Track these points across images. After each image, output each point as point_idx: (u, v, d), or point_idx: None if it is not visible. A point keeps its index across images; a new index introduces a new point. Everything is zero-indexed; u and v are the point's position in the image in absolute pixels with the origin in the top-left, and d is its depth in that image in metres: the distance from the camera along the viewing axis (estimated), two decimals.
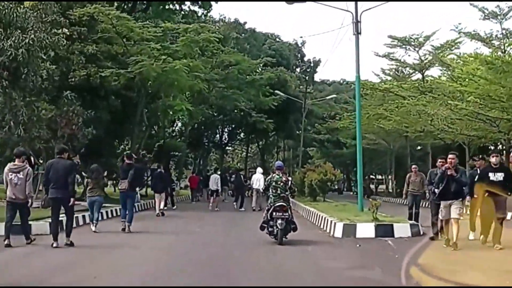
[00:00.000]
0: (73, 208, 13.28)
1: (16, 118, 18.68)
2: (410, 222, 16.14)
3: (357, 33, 19.58)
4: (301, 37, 34.45)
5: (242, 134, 63.28)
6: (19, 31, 18.47)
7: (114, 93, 27.84)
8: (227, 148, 68.35)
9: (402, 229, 14.89)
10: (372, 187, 68.99)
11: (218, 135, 58.31)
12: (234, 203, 28.91)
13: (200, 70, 31.79)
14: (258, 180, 26.70)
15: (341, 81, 76.47)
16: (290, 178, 14.25)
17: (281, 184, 13.42)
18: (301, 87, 55.00)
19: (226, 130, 57.46)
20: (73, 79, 25.71)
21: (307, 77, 60.58)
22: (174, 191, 37.52)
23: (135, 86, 29.35)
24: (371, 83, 42.12)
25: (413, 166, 19.09)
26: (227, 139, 60.08)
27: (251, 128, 54.51)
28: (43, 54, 19.14)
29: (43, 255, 11.84)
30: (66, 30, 21.92)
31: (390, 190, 54.94)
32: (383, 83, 42.96)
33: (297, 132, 60.08)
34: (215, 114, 49.38)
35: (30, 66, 18.63)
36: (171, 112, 30.61)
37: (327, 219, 17.08)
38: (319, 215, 19.27)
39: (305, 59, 63.92)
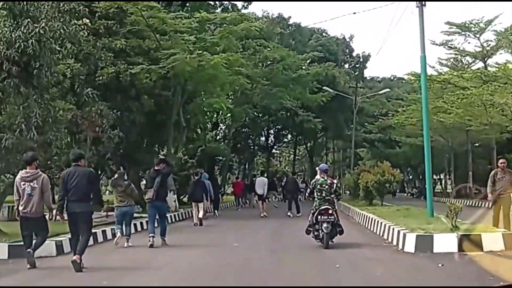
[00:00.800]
0: (91, 223, 11.20)
1: (29, 119, 16.29)
2: (502, 230, 12.93)
3: (422, 4, 16.51)
4: (354, 13, 30.48)
5: (289, 136, 60.40)
6: (29, 20, 16.09)
7: (147, 92, 25.36)
8: (273, 151, 65.62)
9: (493, 241, 11.71)
10: None
11: (263, 138, 55.50)
12: (289, 213, 25.87)
13: (242, 65, 29.09)
14: None
15: (392, 77, 72.68)
16: (335, 181, 13.91)
17: (326, 187, 13.24)
18: (351, 83, 51.69)
19: (271, 131, 54.56)
20: (100, 78, 23.40)
21: (356, 73, 57.19)
22: (222, 197, 35.20)
23: (170, 84, 26.90)
24: (428, 75, 38.47)
25: (501, 161, 15.23)
26: (273, 141, 57.21)
27: (298, 128, 51.60)
28: (58, 46, 16.68)
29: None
30: (88, 21, 19.48)
31: (449, 190, 50.90)
32: (441, 74, 39.24)
33: (347, 132, 56.93)
34: (260, 115, 46.59)
35: (42, 60, 16.23)
36: (209, 112, 27.87)
37: (393, 229, 14.03)
38: (381, 223, 16.22)
39: (354, 54, 60.62)
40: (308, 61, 45.19)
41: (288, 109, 44.78)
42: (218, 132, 48.81)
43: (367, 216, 19.70)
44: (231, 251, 13.52)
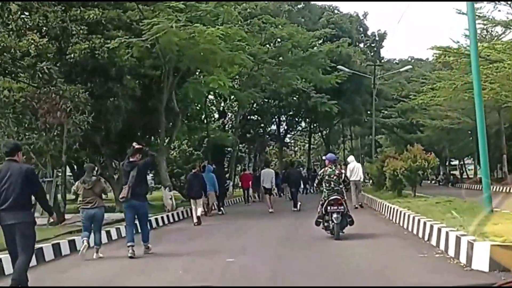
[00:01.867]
0: (32, 238, 8.21)
1: None
2: None
3: None
4: None
5: (302, 124, 56.22)
6: None
7: (130, 72, 21.44)
8: (286, 140, 61.58)
9: None
10: (456, 173, 60.83)
11: (275, 126, 51.34)
12: (294, 208, 23.20)
13: (243, 39, 25.12)
14: (357, 169, 23.94)
15: (410, 59, 68.20)
16: (343, 171, 14.40)
17: (335, 177, 13.11)
18: (367, 63, 47.40)
19: (283, 119, 50.28)
20: (72, 55, 19.52)
21: (372, 53, 52.89)
22: (228, 192, 31.53)
23: (159, 63, 22.94)
24: (454, 48, 34.16)
25: None
26: (285, 129, 52.98)
27: (312, 114, 47.43)
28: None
29: None
30: None
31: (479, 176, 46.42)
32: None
33: (365, 118, 52.73)
34: (269, 100, 42.42)
35: None
36: (205, 92, 23.76)
37: (447, 233, 10.02)
38: (424, 223, 12.21)
39: (369, 33, 56.16)
40: (319, 40, 41.06)
41: (299, 92, 40.63)
42: (225, 121, 44.82)
43: (400, 212, 15.66)
44: (223, 273, 9.54)
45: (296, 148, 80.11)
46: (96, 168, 15.70)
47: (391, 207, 17.79)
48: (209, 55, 22.80)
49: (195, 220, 18.83)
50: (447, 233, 9.98)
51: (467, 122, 44.22)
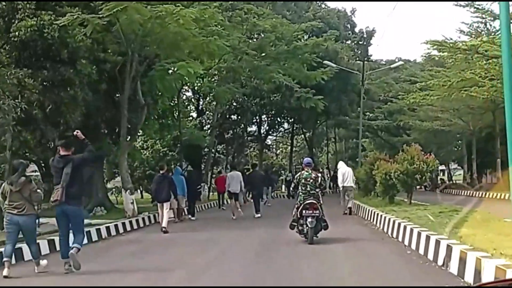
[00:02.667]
0: None
1: None
2: None
3: None
4: None
5: (285, 125, 53.45)
6: None
7: (87, 55, 18.55)
8: (268, 141, 58.89)
9: None
10: (444, 178, 58.54)
11: (255, 126, 48.45)
12: (257, 215, 21.28)
13: (220, 26, 22.46)
14: (348, 174, 22.22)
15: (397, 59, 65.79)
16: (319, 175, 13.91)
17: (311, 181, 12.96)
18: (355, 60, 44.88)
19: (264, 118, 47.32)
20: (17, 33, 16.66)
21: (360, 52, 50.34)
22: (201, 196, 28.99)
23: (123, 48, 20.10)
24: (450, 43, 31.63)
25: None
26: (267, 129, 50.05)
27: (295, 114, 44.71)
28: None
29: None
30: None
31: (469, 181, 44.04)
32: (467, 41, 32.28)
33: (349, 121, 50.25)
34: (249, 98, 39.51)
35: None
36: (174, 82, 20.84)
37: (474, 258, 7.34)
38: (431, 239, 9.56)
39: (356, 30, 53.60)
40: (305, 35, 38.38)
41: (282, 89, 37.89)
42: (203, 119, 42.00)
43: (399, 224, 12.92)
44: None
45: (278, 151, 77.49)
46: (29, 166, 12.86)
47: (385, 217, 15.08)
48: (179, 40, 20.06)
49: (163, 224, 16.79)
50: (478, 259, 7.27)
51: (458, 124, 41.96)
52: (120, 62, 19.78)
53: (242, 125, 43.95)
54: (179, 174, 21.06)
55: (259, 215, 21.01)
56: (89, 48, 18.24)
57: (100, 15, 16.94)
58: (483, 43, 29.79)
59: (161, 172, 18.59)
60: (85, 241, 13.92)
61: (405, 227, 12.11)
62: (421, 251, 10.25)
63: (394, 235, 13.06)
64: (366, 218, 18.91)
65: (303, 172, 13.30)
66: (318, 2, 48.50)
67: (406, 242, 11.61)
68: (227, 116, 40.47)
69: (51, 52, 17.81)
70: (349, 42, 49.96)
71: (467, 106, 36.20)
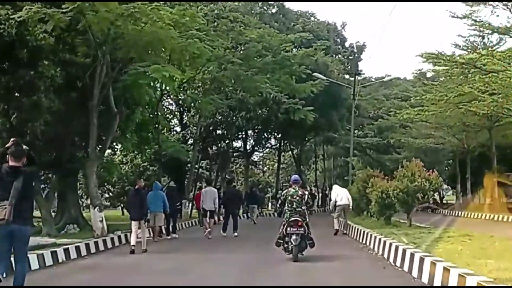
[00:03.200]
0: None
1: None
2: None
3: None
4: None
5: (272, 140, 51.47)
6: None
7: (50, 56, 16.57)
8: (254, 158, 56.88)
9: None
10: (436, 198, 56.64)
11: (241, 141, 46.38)
12: (224, 233, 20.61)
13: (200, 30, 20.62)
14: (343, 193, 21.07)
15: (386, 76, 64.34)
16: (306, 192, 13.63)
17: (297, 198, 12.93)
18: (345, 74, 43.25)
19: (251, 133, 45.18)
20: None
21: (350, 66, 48.66)
22: (181, 213, 27.18)
23: (91, 51, 18.12)
24: (446, 55, 29.98)
25: None
26: (253, 145, 47.91)
27: (282, 129, 42.80)
28: None
29: None
30: None
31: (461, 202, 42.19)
32: (464, 55, 30.63)
33: (339, 135, 48.57)
34: (234, 111, 37.51)
35: None
36: (146, 86, 18.74)
37: None
38: (452, 272, 7.63)
39: (347, 44, 52.02)
40: (293, 47, 36.68)
41: (269, 103, 36.04)
42: (186, 133, 39.98)
43: (404, 251, 10.96)
44: None
45: (265, 168, 75.51)
46: None
47: (384, 242, 13.13)
48: (156, 42, 18.15)
49: (132, 243, 15.31)
50: None
51: (451, 142, 40.29)
52: (90, 65, 17.72)
53: (227, 139, 41.88)
54: (158, 190, 19.33)
55: (236, 234, 20.06)
56: (52, 48, 16.27)
57: (64, 10, 14.95)
58: (481, 56, 28.18)
59: (136, 187, 16.68)
60: (37, 265, 12.00)
61: (412, 255, 10.15)
62: (437, 283, 8.31)
63: (398, 263, 11.10)
64: (360, 240, 16.96)
65: (290, 189, 13.28)
66: (308, 14, 46.81)
67: (415, 274, 9.64)
68: (211, 129, 38.39)
69: (9, 52, 15.85)
70: (339, 56, 48.27)
71: (462, 123, 34.51)
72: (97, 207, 18.24)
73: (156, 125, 28.53)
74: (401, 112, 35.14)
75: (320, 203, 45.50)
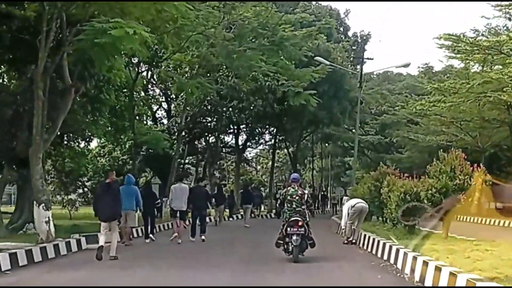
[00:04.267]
0: None
1: None
2: None
3: None
4: None
5: (266, 136, 47.45)
6: None
7: None
8: (247, 154, 53.03)
9: None
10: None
11: (233, 135, 42.21)
12: (191, 238, 17.73)
13: None
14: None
15: (388, 73, 60.61)
16: (306, 191, 13.37)
17: (296, 197, 12.63)
18: (350, 63, 39.39)
19: (243, 127, 40.91)
20: None
21: (353, 57, 44.70)
22: (160, 213, 23.54)
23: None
24: (469, 38, 26.15)
25: None
26: (245, 140, 43.68)
27: (278, 122, 38.86)
28: None
29: None
30: None
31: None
32: (488, 40, 26.74)
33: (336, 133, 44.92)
34: (224, 100, 33.48)
35: None
36: (107, 48, 14.68)
37: None
38: None
39: (350, 33, 48.04)
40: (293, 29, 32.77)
41: (264, 90, 32.18)
42: (172, 124, 36.09)
43: (468, 282, 7.08)
44: None
45: (259, 167, 71.61)
46: None
47: (424, 262, 9.20)
48: None
49: (112, 252, 12.75)
50: None
51: (464, 140, 36.34)
52: (33, 19, 13.70)
53: (216, 132, 37.84)
54: (131, 184, 16.51)
55: (203, 237, 17.50)
56: None
57: None
58: (510, 39, 24.41)
59: (107, 180, 13.68)
60: None
61: None
62: None
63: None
64: (379, 255, 13.05)
65: (289, 188, 13.00)
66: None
67: None
68: (199, 120, 34.31)
69: None
70: (342, 43, 44.17)
71: (481, 118, 30.64)
72: (42, 204, 14.32)
73: (133, 110, 24.56)
74: (413, 104, 31.21)
75: (318, 204, 41.63)
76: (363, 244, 15.52)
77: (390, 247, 12.06)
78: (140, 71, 24.77)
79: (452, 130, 36.00)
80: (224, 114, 34.76)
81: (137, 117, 25.36)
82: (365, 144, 52.45)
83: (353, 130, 52.38)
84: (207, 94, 28.38)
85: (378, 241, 13.51)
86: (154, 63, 27.13)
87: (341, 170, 73.16)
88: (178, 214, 17.33)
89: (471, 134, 35.68)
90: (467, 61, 27.68)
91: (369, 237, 14.91)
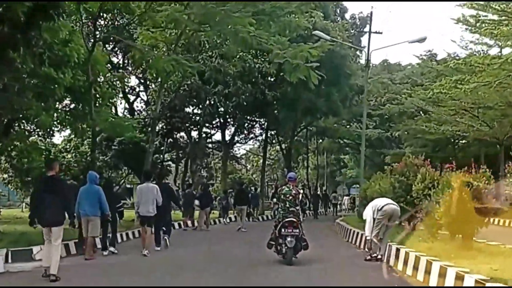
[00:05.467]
0: None
1: None
2: None
3: None
4: None
5: (257, 129, 42.69)
6: None
7: None
8: (236, 150, 48.55)
9: None
10: None
11: (218, 127, 37.40)
12: (155, 247, 14.94)
13: None
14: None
15: (385, 63, 56.32)
16: (301, 191, 13.17)
17: (290, 197, 12.28)
18: (351, 41, 34.99)
19: (229, 118, 35.94)
20: None
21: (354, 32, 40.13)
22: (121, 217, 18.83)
23: None
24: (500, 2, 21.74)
25: None
26: (233, 133, 38.85)
27: (270, 112, 34.25)
28: None
29: None
30: None
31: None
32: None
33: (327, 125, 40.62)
34: (208, 84, 28.92)
35: None
36: None
37: None
38: None
39: (347, 16, 43.53)
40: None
41: (253, 73, 27.70)
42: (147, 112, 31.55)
43: None
44: None
45: (249, 166, 67.17)
46: None
47: None
48: None
49: (52, 269, 9.85)
50: None
51: (481, 131, 31.89)
52: None
53: (199, 125, 33.21)
54: (94, 183, 13.34)
55: (158, 248, 14.84)
56: None
57: None
58: None
59: (49, 173, 10.59)
60: None
61: None
62: None
63: None
64: (417, 276, 8.63)
65: (283, 187, 12.76)
66: None
67: None
68: (178, 107, 29.53)
69: None
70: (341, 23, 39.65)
71: (506, 103, 26.18)
72: None
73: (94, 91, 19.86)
74: (429, 88, 26.68)
75: (312, 205, 37.09)
76: (394, 261, 11.03)
77: (445, 269, 7.60)
78: (98, 38, 20.18)
79: (467, 119, 31.58)
80: (207, 101, 30.11)
81: (99, 102, 20.70)
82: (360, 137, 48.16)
83: (351, 124, 48.62)
84: (186, 75, 23.86)
85: (418, 258, 9.04)
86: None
87: (336, 168, 69.03)
88: (143, 221, 14.05)
89: (489, 124, 31.33)
90: (493, 34, 23.21)
91: (405, 252, 10.39)
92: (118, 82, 23.23)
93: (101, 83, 21.65)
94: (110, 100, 22.93)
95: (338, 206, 43.56)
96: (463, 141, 37.38)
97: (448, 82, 24.47)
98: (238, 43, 21.26)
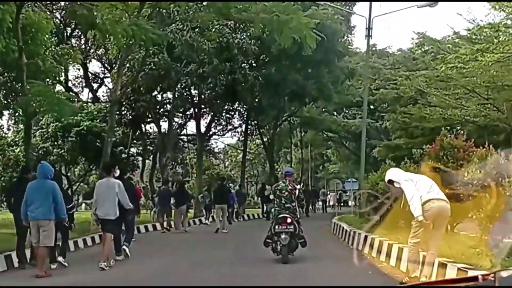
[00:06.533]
0: None
1: None
2: None
3: None
4: None
5: (236, 120, 38.52)
6: None
7: None
8: (213, 143, 44.52)
9: None
10: None
11: (192, 117, 33.02)
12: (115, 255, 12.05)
13: None
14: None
15: (375, 49, 52.59)
16: (298, 187, 13.04)
17: (286, 193, 11.92)
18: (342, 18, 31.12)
19: (204, 106, 31.45)
20: None
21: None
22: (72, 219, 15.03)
23: None
24: None
25: None
26: (208, 124, 34.52)
27: (251, 97, 30.12)
28: None
29: None
30: None
31: None
32: None
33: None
34: (179, 62, 24.76)
35: None
36: None
37: None
38: None
39: None
40: None
41: (232, 50, 23.64)
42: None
43: None
44: None
45: (227, 162, 63.08)
46: None
47: None
48: None
49: None
50: None
51: (490, 116, 28.10)
52: None
53: (168, 113, 28.98)
54: (46, 178, 10.63)
55: (119, 257, 12.37)
56: None
57: None
58: None
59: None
60: None
61: None
62: None
63: None
64: None
65: (279, 183, 12.41)
66: None
67: None
68: (142, 89, 25.16)
69: None
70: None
71: None
72: None
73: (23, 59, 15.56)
74: (443, 64, 22.69)
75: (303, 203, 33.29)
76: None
77: None
78: None
79: (474, 103, 27.78)
80: (178, 83, 25.87)
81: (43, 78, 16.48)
82: (346, 129, 44.62)
83: (340, 114, 45.02)
84: (149, 47, 19.69)
85: None
86: None
87: (319, 163, 65.59)
88: (102, 225, 11.70)
89: (499, 109, 27.53)
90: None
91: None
92: (66, 57, 18.85)
93: (45, 56, 17.48)
94: (56, 78, 18.72)
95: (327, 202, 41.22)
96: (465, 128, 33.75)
97: (468, 52, 20.48)
98: (214, 11, 17.41)
